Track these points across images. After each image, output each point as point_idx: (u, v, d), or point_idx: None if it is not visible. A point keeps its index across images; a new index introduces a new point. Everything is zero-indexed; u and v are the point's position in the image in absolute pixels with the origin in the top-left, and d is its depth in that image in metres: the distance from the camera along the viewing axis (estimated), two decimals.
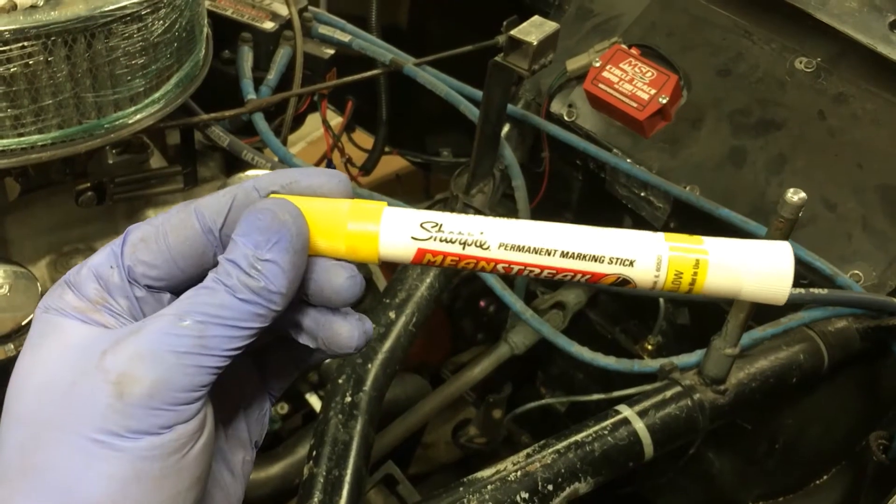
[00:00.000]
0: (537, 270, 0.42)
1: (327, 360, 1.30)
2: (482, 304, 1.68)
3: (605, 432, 0.94)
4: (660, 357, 1.10)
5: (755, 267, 0.41)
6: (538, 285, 1.47)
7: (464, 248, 0.43)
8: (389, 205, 0.44)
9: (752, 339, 1.04)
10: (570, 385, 1.55)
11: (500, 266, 0.43)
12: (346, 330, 0.44)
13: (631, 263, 0.41)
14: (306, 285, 0.44)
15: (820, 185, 1.14)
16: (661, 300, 1.31)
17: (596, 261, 0.42)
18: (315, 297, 0.44)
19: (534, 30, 1.04)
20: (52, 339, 0.41)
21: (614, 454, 0.93)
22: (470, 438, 1.56)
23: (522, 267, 0.43)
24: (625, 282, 0.42)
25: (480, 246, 0.42)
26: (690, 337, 1.31)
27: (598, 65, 1.25)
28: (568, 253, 0.42)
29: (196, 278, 0.43)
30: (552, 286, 1.45)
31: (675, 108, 1.25)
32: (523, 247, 0.42)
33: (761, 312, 1.05)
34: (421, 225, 0.43)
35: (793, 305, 1.07)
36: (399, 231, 0.43)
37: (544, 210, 1.43)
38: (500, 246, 0.42)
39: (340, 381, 1.03)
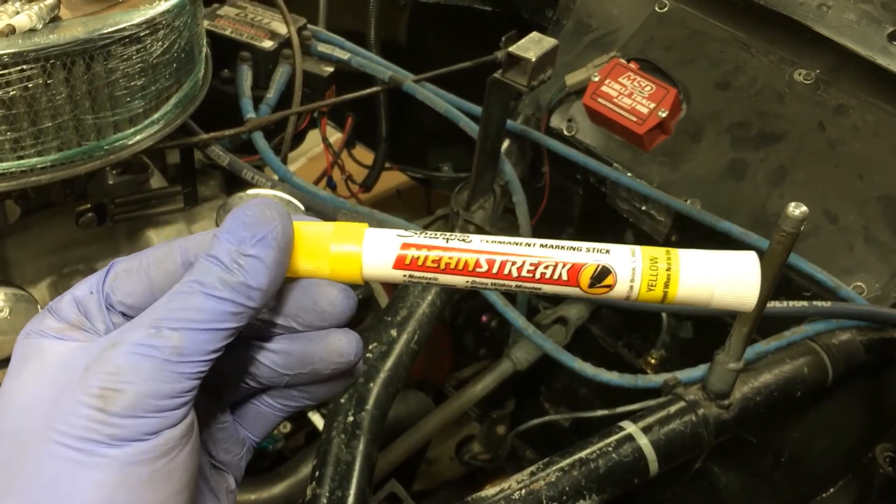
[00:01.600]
0: (519, 262, 0.44)
1: None
2: (484, 319, 1.68)
3: (610, 449, 0.93)
4: (663, 371, 1.09)
5: (724, 274, 0.44)
6: (540, 300, 1.47)
7: (447, 241, 0.45)
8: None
9: (755, 352, 1.04)
10: (574, 399, 1.55)
11: (483, 258, 0.44)
12: (344, 337, 0.44)
13: (607, 252, 0.44)
14: (297, 303, 0.44)
15: (821, 197, 1.14)
16: (664, 314, 1.31)
17: (574, 249, 0.45)
18: (307, 314, 0.44)
19: (532, 46, 1.04)
20: (33, 361, 0.42)
21: (619, 471, 0.92)
22: (474, 455, 1.56)
23: (505, 258, 0.44)
24: (605, 271, 0.44)
25: (463, 240, 0.45)
26: (694, 351, 1.30)
27: (596, 79, 1.26)
28: (546, 244, 0.45)
29: None
30: (554, 301, 1.45)
31: (674, 122, 1.25)
32: (503, 240, 0.45)
33: (765, 326, 1.04)
34: (404, 231, 0.46)
35: (796, 318, 1.07)
36: (382, 240, 0.45)
37: (545, 225, 1.42)
38: (481, 240, 0.45)
39: (343, 400, 1.03)
